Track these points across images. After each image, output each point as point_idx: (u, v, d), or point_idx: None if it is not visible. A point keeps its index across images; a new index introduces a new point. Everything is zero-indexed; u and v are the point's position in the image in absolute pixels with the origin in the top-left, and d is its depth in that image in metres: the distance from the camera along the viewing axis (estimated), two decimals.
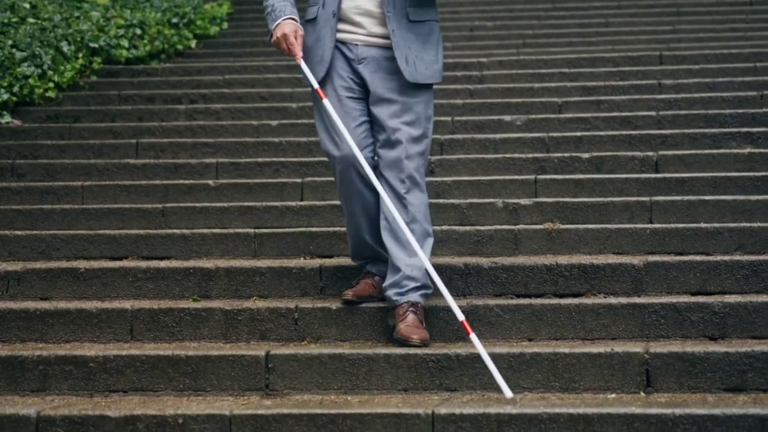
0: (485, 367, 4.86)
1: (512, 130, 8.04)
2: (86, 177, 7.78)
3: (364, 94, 5.28)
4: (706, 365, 4.78)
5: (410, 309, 5.12)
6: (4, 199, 7.43)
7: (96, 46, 10.37)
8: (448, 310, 5.28)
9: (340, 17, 5.25)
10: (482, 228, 6.25)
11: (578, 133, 7.77)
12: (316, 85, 5.26)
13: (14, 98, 9.12)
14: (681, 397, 4.70)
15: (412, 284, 5.14)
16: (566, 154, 7.35)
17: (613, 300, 5.34)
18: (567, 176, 7.03)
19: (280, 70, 10.00)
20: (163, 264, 6.07)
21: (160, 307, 5.54)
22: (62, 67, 9.69)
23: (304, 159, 7.70)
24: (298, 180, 7.28)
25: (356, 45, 5.26)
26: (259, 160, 7.75)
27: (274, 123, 8.52)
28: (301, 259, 6.23)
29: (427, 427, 4.48)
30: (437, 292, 5.53)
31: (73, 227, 6.91)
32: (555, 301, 5.37)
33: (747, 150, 7.29)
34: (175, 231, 6.55)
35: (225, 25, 12.47)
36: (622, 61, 9.57)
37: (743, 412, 4.35)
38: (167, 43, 11.27)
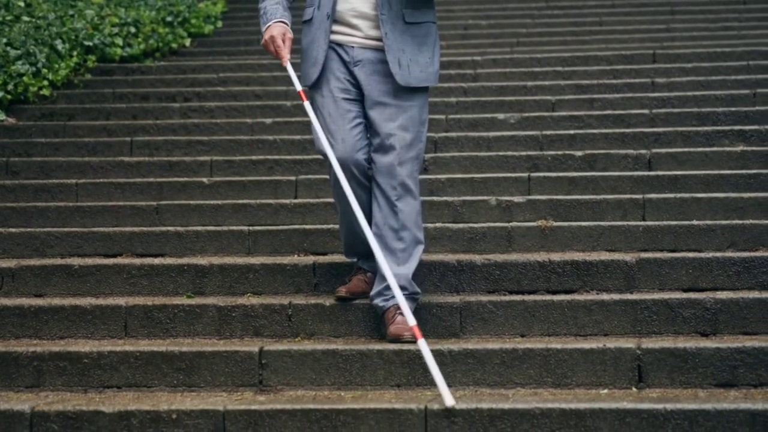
0: (478, 362, 4.89)
1: (506, 128, 8.06)
2: (81, 175, 7.79)
3: (361, 95, 5.26)
4: (698, 361, 4.80)
5: (398, 311, 5.10)
6: None
7: (90, 44, 10.37)
8: (441, 306, 5.31)
9: (336, 19, 5.24)
10: (476, 225, 6.27)
11: (571, 131, 7.79)
12: (299, 88, 5.28)
13: (9, 96, 9.13)
14: (672, 393, 4.72)
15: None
16: (559, 152, 7.36)
17: (605, 296, 5.36)
18: (560, 174, 7.05)
19: (275, 69, 10.01)
20: (157, 261, 6.08)
21: (154, 303, 5.55)
22: (57, 66, 9.70)
23: (298, 157, 7.71)
24: (292, 178, 7.29)
25: (352, 47, 5.25)
26: (254, 157, 7.76)
27: (268, 121, 8.54)
28: (295, 256, 6.25)
29: (420, 423, 4.50)
30: (429, 290, 5.56)
31: (68, 224, 6.92)
32: (548, 297, 5.39)
33: (739, 148, 7.31)
34: (170, 228, 6.56)
35: (219, 24, 12.49)
36: (615, 59, 9.59)
37: (734, 407, 4.37)
38: (162, 42, 11.28)
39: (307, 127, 7.71)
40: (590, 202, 6.53)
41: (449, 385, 4.86)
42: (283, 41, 5.27)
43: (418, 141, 5.25)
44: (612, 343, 4.91)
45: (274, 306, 5.44)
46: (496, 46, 10.75)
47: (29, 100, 9.34)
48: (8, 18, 10.09)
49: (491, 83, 9.11)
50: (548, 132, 7.78)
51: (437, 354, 4.90)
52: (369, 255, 5.40)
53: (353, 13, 5.24)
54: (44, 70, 9.51)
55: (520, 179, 6.99)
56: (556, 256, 5.72)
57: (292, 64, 5.31)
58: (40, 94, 9.44)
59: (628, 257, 5.63)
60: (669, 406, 4.40)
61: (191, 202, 7.03)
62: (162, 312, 5.51)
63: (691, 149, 7.32)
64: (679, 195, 6.54)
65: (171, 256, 6.36)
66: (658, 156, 7.23)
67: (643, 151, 7.28)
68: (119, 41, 10.65)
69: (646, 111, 8.11)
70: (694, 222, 6.14)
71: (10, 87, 9.14)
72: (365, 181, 5.25)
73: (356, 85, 5.26)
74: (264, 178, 7.39)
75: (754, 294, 5.30)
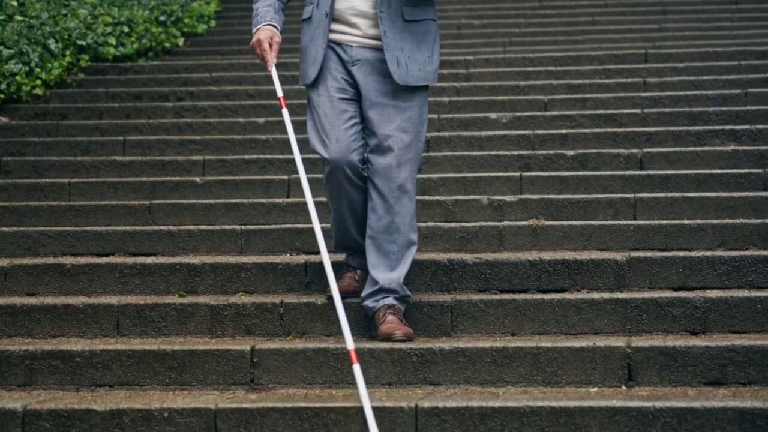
0: (469, 361, 4.91)
1: (498, 128, 8.08)
2: (73, 174, 7.80)
3: (358, 96, 5.23)
4: (687, 359, 4.82)
5: (388, 311, 5.12)
6: None
7: (83, 43, 10.37)
8: (432, 305, 5.33)
9: (335, 18, 5.21)
10: (467, 224, 6.28)
11: (563, 131, 7.81)
12: (280, 94, 5.30)
13: (1, 95, 9.12)
14: (662, 391, 4.74)
15: (389, 294, 5.16)
16: (551, 152, 7.38)
17: (595, 295, 5.38)
18: (552, 173, 7.07)
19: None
20: (149, 260, 6.10)
21: (146, 302, 5.56)
22: (50, 65, 9.70)
23: (290, 156, 7.69)
24: (285, 177, 7.31)
25: (351, 46, 5.22)
26: (246, 157, 7.77)
27: (261, 120, 8.55)
28: (287, 255, 6.27)
29: (410, 421, 4.52)
30: (421, 288, 5.58)
31: (60, 224, 6.93)
32: (538, 296, 5.41)
33: (731, 147, 7.33)
34: (162, 227, 6.57)
35: (213, 23, 12.49)
36: (607, 59, 9.61)
37: (723, 405, 4.40)
38: (155, 41, 11.28)
39: (300, 126, 7.71)
40: (581, 202, 6.55)
41: (439, 384, 4.90)
42: (270, 45, 5.24)
43: (417, 141, 5.23)
44: (602, 342, 4.93)
45: (266, 305, 5.45)
46: (489, 46, 10.76)
47: (22, 100, 9.34)
48: (1, 17, 10.09)
49: (484, 83, 9.12)
50: (540, 131, 7.80)
51: (428, 353, 4.92)
52: (357, 250, 5.41)
53: (352, 11, 5.21)
54: (37, 70, 9.51)
55: (512, 178, 7.01)
56: (547, 255, 5.74)
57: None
58: (33, 94, 9.44)
59: (619, 256, 5.65)
60: (658, 404, 4.43)
61: (184, 201, 7.04)
62: (154, 311, 5.52)
63: (683, 149, 7.35)
64: (670, 194, 6.56)
65: (163, 255, 6.37)
66: (649, 155, 7.25)
67: (634, 151, 7.30)
68: (112, 40, 10.65)
69: (637, 110, 8.13)
70: (685, 221, 6.16)
71: (3, 86, 9.13)
72: (359, 181, 5.25)
73: (353, 84, 5.23)
74: (256, 177, 7.40)
75: (744, 293, 5.32)
